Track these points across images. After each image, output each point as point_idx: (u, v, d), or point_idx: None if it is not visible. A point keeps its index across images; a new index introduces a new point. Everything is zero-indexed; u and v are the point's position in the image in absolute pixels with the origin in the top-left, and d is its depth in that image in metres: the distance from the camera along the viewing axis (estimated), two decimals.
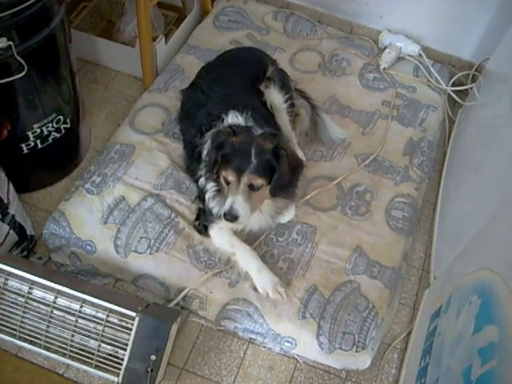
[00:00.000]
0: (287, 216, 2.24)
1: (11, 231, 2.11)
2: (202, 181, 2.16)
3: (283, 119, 2.40)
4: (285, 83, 2.45)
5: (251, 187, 1.91)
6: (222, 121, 2.10)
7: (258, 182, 1.91)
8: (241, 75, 2.36)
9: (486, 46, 2.82)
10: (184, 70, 2.80)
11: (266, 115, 2.24)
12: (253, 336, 2.13)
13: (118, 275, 2.23)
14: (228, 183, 1.94)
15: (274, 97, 2.37)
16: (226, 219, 1.92)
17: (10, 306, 1.94)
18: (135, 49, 2.73)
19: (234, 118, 2.09)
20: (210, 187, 2.09)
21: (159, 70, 2.84)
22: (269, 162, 1.91)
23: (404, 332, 2.22)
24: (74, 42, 2.23)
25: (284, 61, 2.87)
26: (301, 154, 2.43)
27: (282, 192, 2.01)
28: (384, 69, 2.92)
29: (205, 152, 2.11)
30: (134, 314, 1.88)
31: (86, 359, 1.92)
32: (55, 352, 1.94)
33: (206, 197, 2.12)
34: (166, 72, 2.80)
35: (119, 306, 1.90)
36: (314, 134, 2.60)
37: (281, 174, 1.91)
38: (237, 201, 1.90)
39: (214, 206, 2.09)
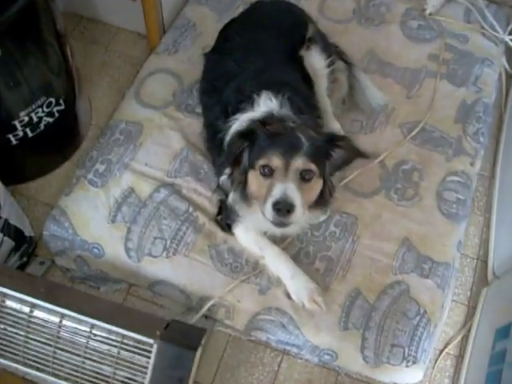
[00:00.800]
0: (326, 213, 1.92)
1: (5, 238, 1.85)
2: (223, 179, 1.83)
3: (322, 86, 2.08)
4: (327, 44, 2.12)
5: (303, 176, 1.54)
6: (253, 103, 1.74)
7: (312, 167, 1.54)
8: (279, 40, 1.99)
9: None
10: (195, 25, 2.40)
11: (305, 95, 1.90)
12: (287, 347, 1.90)
13: (131, 281, 1.98)
14: (269, 174, 1.54)
15: (316, 61, 2.05)
16: (278, 211, 1.49)
17: (11, 329, 1.69)
18: (137, 1, 2.31)
19: (266, 101, 1.73)
20: (232, 183, 1.76)
21: (166, 26, 2.43)
22: (324, 150, 1.58)
23: (458, 335, 1.98)
24: None
25: (313, 8, 2.45)
26: (338, 126, 2.11)
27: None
28: (430, 14, 2.50)
29: (227, 140, 1.75)
30: (151, 340, 1.62)
31: None
32: (65, 379, 1.72)
33: (230, 197, 1.80)
34: (174, 28, 2.40)
35: (134, 330, 1.64)
36: (350, 100, 2.24)
37: (334, 165, 1.62)
38: (290, 187, 1.50)
39: (238, 208, 1.76)
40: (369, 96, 2.22)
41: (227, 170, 1.75)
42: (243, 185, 1.65)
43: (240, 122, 1.72)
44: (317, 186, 1.61)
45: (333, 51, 2.15)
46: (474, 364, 1.83)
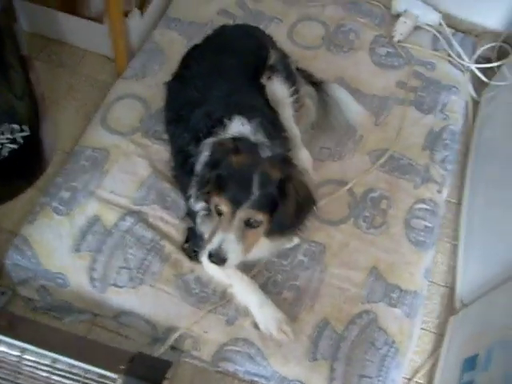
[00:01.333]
0: (293, 241, 1.91)
1: None
2: (192, 201, 1.80)
3: (286, 114, 2.05)
4: (290, 72, 2.09)
5: (248, 223, 1.56)
6: (225, 127, 1.72)
7: (258, 218, 1.55)
8: (239, 65, 1.95)
9: None
10: (164, 49, 2.37)
11: (273, 119, 1.88)
12: (256, 378, 1.85)
13: (96, 311, 1.91)
14: (219, 214, 1.59)
15: (278, 90, 2.02)
16: (212, 261, 1.58)
17: None
18: (104, 25, 2.28)
19: (239, 126, 1.71)
20: (201, 208, 1.74)
21: (135, 50, 2.39)
22: (273, 196, 1.55)
23: (426, 364, 1.96)
24: (30, 18, 1.79)
25: (281, 34, 2.45)
26: (306, 153, 2.09)
27: (281, 234, 1.69)
28: (398, 41, 2.52)
29: (198, 165, 1.73)
30: (115, 375, 1.58)
31: None
32: None
33: (197, 220, 1.78)
34: (142, 53, 2.37)
35: (97, 365, 1.60)
36: (322, 122, 2.23)
37: (285, 214, 1.57)
38: (227, 240, 1.54)
39: (204, 230, 1.75)
40: (345, 110, 2.21)
41: (194, 191, 1.73)
42: (207, 203, 1.66)
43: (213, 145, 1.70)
44: (263, 230, 1.61)
45: (296, 79, 2.12)
46: None
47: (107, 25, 2.25)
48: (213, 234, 1.59)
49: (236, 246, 1.55)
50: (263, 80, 1.99)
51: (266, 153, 1.64)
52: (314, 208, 1.71)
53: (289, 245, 1.93)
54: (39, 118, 2.03)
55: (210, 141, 1.72)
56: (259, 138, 1.70)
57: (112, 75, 2.41)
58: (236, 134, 1.71)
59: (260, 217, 1.55)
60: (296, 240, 1.94)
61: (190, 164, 1.78)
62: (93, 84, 2.42)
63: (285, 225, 1.62)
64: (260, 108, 1.88)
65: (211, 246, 1.56)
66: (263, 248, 1.76)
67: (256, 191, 1.53)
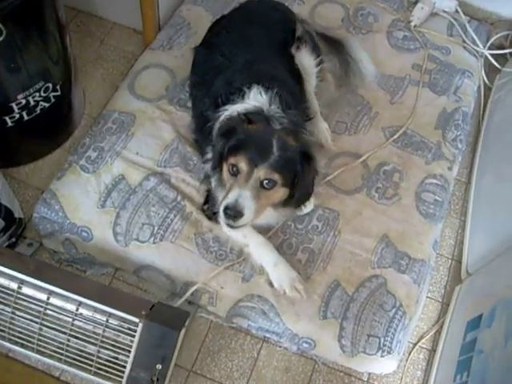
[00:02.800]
0: (306, 208, 1.97)
1: None
2: (207, 167, 1.88)
3: (311, 85, 2.15)
4: (316, 44, 2.18)
5: (263, 185, 1.61)
6: (243, 96, 1.78)
7: (275, 177, 1.60)
8: (267, 36, 2.04)
9: None
10: (190, 24, 2.47)
11: (293, 90, 1.94)
12: (267, 335, 1.94)
13: (117, 265, 2.01)
14: (235, 174, 1.63)
15: (306, 60, 2.11)
16: (226, 215, 1.60)
17: None
18: None
19: (257, 96, 1.76)
20: (216, 176, 1.81)
21: (162, 24, 2.49)
22: (293, 162, 1.62)
23: (431, 330, 2.04)
24: None
25: (303, 14, 2.52)
26: (326, 126, 2.20)
27: (298, 202, 1.76)
28: (415, 26, 2.60)
29: (215, 132, 1.81)
30: (136, 319, 1.67)
31: (85, 365, 1.72)
32: (50, 357, 1.74)
33: (212, 184, 1.86)
34: (169, 26, 2.46)
35: (120, 309, 1.69)
36: (344, 77, 2.34)
37: (305, 182, 1.64)
38: (243, 195, 1.58)
39: (218, 195, 1.82)
40: (361, 66, 2.33)
41: (210, 156, 1.82)
42: (219, 171, 1.72)
43: (230, 112, 1.76)
44: (277, 194, 1.66)
45: (321, 51, 2.22)
46: (445, 356, 1.89)
47: None
48: (228, 192, 1.63)
49: (251, 203, 1.58)
50: (292, 50, 2.08)
51: (276, 126, 1.68)
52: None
53: (306, 210, 2.00)
54: (71, 82, 2.12)
55: (227, 107, 1.78)
56: (274, 108, 1.74)
57: (139, 47, 2.51)
58: (252, 102, 1.76)
59: (277, 177, 1.60)
60: (310, 207, 2.02)
61: (209, 129, 1.84)
62: (120, 54, 2.52)
63: (303, 194, 1.69)
64: (281, 78, 1.94)
65: (227, 201, 1.60)
66: (278, 213, 1.84)
67: (276, 152, 1.59)
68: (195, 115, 2.09)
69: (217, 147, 1.71)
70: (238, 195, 1.58)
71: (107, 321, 1.68)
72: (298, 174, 1.65)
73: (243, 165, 1.60)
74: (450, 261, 2.18)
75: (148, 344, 1.67)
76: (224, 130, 1.68)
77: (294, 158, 1.62)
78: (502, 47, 2.63)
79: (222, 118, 1.78)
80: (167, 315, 1.78)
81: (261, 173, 1.59)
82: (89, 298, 1.69)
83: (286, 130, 1.66)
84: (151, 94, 2.24)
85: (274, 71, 1.96)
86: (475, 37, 2.58)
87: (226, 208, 1.59)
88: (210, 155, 1.85)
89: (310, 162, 1.65)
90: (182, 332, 1.70)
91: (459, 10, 2.63)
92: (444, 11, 2.65)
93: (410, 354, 1.99)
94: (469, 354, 1.67)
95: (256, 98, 1.78)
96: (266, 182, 1.60)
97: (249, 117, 1.67)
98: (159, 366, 1.68)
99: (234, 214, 1.59)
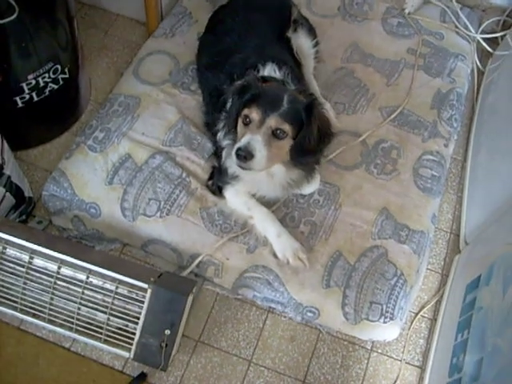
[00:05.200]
0: (312, 186, 2.05)
1: (7, 194, 1.92)
2: (220, 135, 1.96)
3: (309, 66, 2.23)
4: (311, 26, 2.26)
5: (275, 134, 1.69)
6: (258, 71, 1.88)
7: (285, 127, 1.68)
8: (268, 22, 2.14)
9: None
10: (192, 13, 2.55)
11: (298, 74, 2.04)
12: (272, 305, 1.99)
13: (125, 240, 2.06)
14: (248, 123, 1.71)
15: (303, 41, 2.20)
16: (238, 156, 1.66)
17: (10, 277, 1.78)
18: None
19: (271, 71, 1.87)
20: (228, 143, 1.89)
21: (164, 14, 2.58)
22: (300, 113, 1.70)
23: (432, 300, 2.08)
24: None
25: (300, 3, 2.61)
26: (328, 105, 2.27)
27: (303, 159, 1.81)
28: (409, 13, 2.69)
29: (229, 103, 1.88)
30: (145, 285, 1.72)
31: (94, 333, 1.77)
32: (60, 326, 1.79)
33: (223, 153, 1.93)
34: (171, 16, 2.55)
35: (129, 276, 1.74)
36: None
37: (308, 132, 1.70)
38: (256, 139, 1.66)
39: (230, 165, 1.90)
40: None
41: (222, 125, 1.90)
42: (234, 132, 1.79)
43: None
44: (286, 146, 1.74)
45: (317, 33, 2.31)
46: (446, 322, 1.94)
47: None
48: (241, 137, 1.70)
49: (262, 147, 1.65)
50: (289, 33, 2.16)
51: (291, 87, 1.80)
52: (334, 137, 1.85)
53: (312, 189, 2.07)
54: (78, 66, 2.20)
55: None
56: (287, 81, 1.86)
57: (142, 37, 2.58)
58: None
59: (287, 127, 1.68)
60: (315, 186, 2.08)
61: (222, 101, 1.92)
62: (124, 44, 2.59)
63: (306, 147, 1.75)
64: (288, 62, 2.03)
65: (239, 144, 1.67)
66: (280, 186, 1.91)
67: (286, 104, 1.68)
68: (207, 94, 2.16)
69: (232, 106, 1.79)
70: (250, 139, 1.66)
71: (116, 288, 1.73)
72: (304, 123, 1.72)
73: (255, 114, 1.69)
74: (448, 234, 2.24)
75: (157, 310, 1.72)
76: (239, 87, 1.76)
77: (301, 110, 1.70)
78: (493, 32, 2.71)
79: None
80: (175, 282, 1.83)
81: (272, 121, 1.67)
82: (98, 266, 1.74)
83: (298, 89, 1.77)
84: (155, 78, 2.32)
85: (282, 55, 2.05)
86: (467, 22, 2.67)
87: (239, 149, 1.66)
88: (221, 125, 1.94)
89: (313, 114, 1.72)
90: (190, 298, 1.76)
91: None
92: None
93: (412, 323, 2.03)
94: (469, 313, 1.72)
95: (270, 73, 1.89)
96: (278, 131, 1.68)
97: (263, 76, 1.77)
98: (168, 332, 1.73)
99: (245, 154, 1.65)
